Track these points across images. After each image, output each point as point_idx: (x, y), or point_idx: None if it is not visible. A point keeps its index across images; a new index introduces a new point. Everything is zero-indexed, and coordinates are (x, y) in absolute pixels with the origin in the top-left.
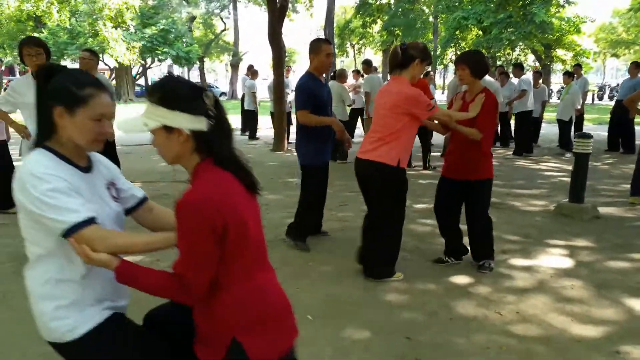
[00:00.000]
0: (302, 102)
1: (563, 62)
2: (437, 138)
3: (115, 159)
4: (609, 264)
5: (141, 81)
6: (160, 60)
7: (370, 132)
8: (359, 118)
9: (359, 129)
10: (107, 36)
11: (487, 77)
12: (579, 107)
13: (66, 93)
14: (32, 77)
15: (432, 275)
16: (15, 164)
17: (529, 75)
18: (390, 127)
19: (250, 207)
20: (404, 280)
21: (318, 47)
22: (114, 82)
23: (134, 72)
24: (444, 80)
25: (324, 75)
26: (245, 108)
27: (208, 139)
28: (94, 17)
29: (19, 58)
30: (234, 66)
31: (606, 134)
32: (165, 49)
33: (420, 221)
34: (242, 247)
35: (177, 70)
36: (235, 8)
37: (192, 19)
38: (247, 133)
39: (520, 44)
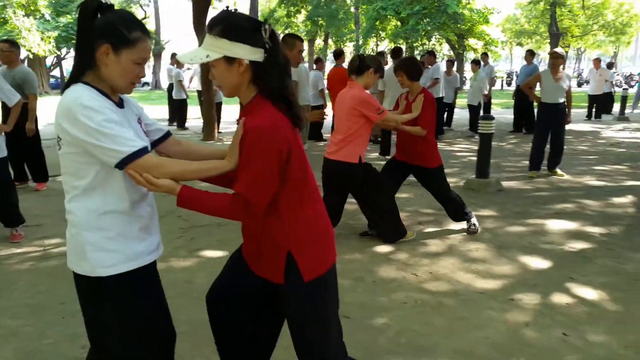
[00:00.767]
0: None
1: (475, 50)
2: None
3: (39, 153)
4: (508, 229)
5: (56, 72)
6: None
7: (335, 133)
8: None
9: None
10: (18, 25)
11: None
12: (486, 92)
13: (116, 32)
14: None
15: (358, 246)
16: None
17: (441, 64)
18: (349, 128)
19: (299, 141)
20: None
21: (293, 44)
22: None
23: (48, 62)
24: None
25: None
26: (174, 97)
27: (265, 69)
28: (2, 3)
29: None
30: (157, 55)
31: (512, 117)
32: None
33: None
34: (307, 174)
35: None
36: None
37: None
38: (175, 123)
39: (436, 34)
